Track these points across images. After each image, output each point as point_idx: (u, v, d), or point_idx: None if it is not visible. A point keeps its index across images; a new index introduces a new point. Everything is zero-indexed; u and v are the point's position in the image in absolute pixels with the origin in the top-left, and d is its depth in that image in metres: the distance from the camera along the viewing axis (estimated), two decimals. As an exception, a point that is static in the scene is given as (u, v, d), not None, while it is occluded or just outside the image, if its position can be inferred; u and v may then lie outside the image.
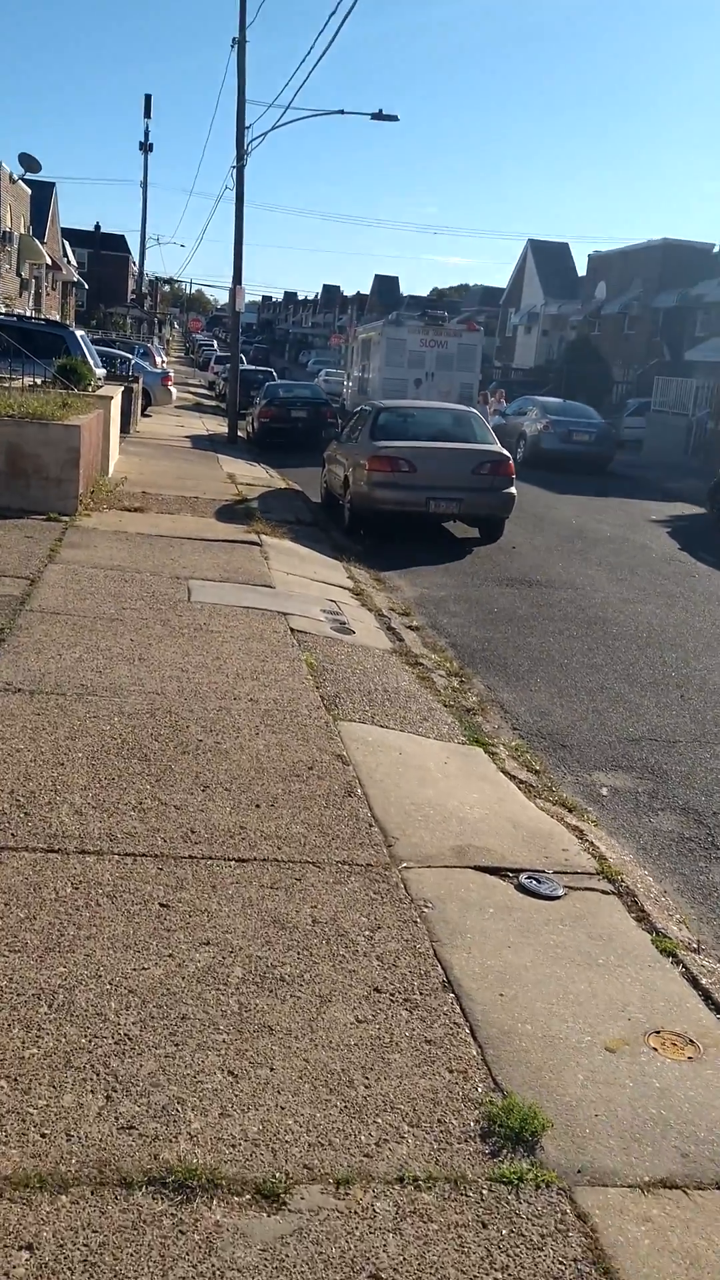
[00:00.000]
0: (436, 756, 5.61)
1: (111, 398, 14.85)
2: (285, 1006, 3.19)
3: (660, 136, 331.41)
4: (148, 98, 58.37)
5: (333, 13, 20.53)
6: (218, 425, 29.64)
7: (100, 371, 18.80)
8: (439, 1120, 2.79)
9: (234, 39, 23.42)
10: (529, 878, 4.22)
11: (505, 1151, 2.71)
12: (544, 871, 4.31)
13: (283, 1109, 2.76)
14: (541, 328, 56.55)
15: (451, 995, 3.36)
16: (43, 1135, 2.58)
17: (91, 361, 17.60)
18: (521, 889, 4.13)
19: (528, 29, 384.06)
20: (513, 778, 5.54)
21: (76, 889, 3.73)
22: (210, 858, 4.07)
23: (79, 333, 18.86)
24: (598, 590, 10.81)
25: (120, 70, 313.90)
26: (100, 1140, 2.58)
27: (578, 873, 4.38)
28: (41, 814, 4.25)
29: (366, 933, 3.67)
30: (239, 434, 26.43)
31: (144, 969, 3.30)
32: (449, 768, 5.46)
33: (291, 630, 7.67)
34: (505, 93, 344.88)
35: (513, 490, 12.90)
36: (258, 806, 4.54)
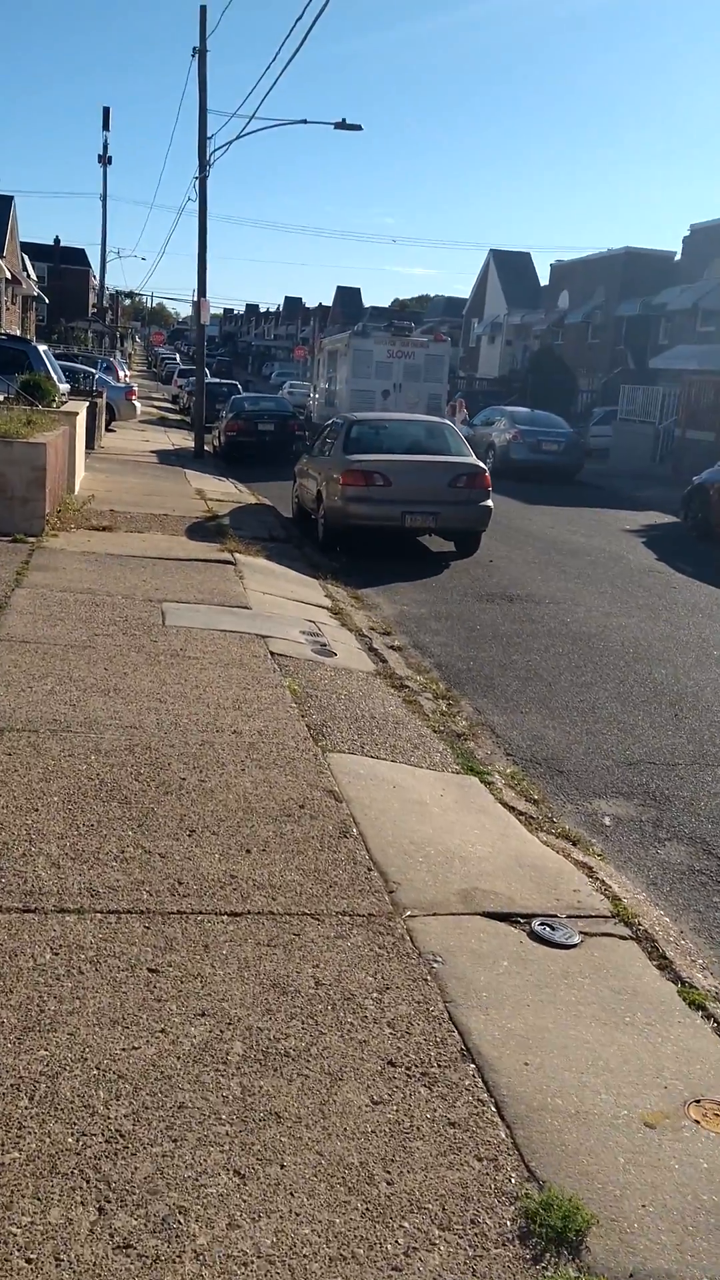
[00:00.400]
0: (432, 788, 5.33)
1: (76, 414, 14.51)
2: (293, 1088, 2.89)
3: (619, 146, 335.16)
4: (106, 110, 58.33)
5: (299, 18, 20.24)
6: (183, 439, 29.32)
7: (64, 387, 18.44)
8: (472, 1220, 2.51)
9: (194, 48, 23.17)
10: (542, 924, 3.95)
11: (549, 1256, 2.42)
12: (557, 916, 4.04)
13: (298, 1215, 2.46)
14: (505, 337, 56.67)
15: (472, 1066, 3.08)
16: (28, 1260, 2.27)
17: (55, 377, 17.25)
18: (535, 937, 3.86)
19: (486, 44, 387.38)
20: (512, 809, 5.27)
21: (56, 954, 3.42)
22: (200, 912, 3.76)
23: (42, 348, 18.49)
24: (579, 604, 10.60)
25: (79, 82, 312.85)
26: (95, 1263, 2.27)
27: (592, 915, 4.12)
28: (15, 868, 3.93)
29: (374, 995, 3.38)
30: (205, 448, 26.11)
31: (134, 1048, 2.99)
32: (445, 800, 5.19)
33: (272, 654, 7.38)
34: (466, 105, 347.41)
35: (490, 503, 12.69)
36: (248, 852, 4.24)
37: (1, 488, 10.31)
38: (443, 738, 6.28)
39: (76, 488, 14.52)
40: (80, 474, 15.79)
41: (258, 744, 5.44)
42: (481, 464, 12.91)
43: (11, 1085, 2.79)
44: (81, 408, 16.11)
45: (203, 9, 23.04)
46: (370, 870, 4.23)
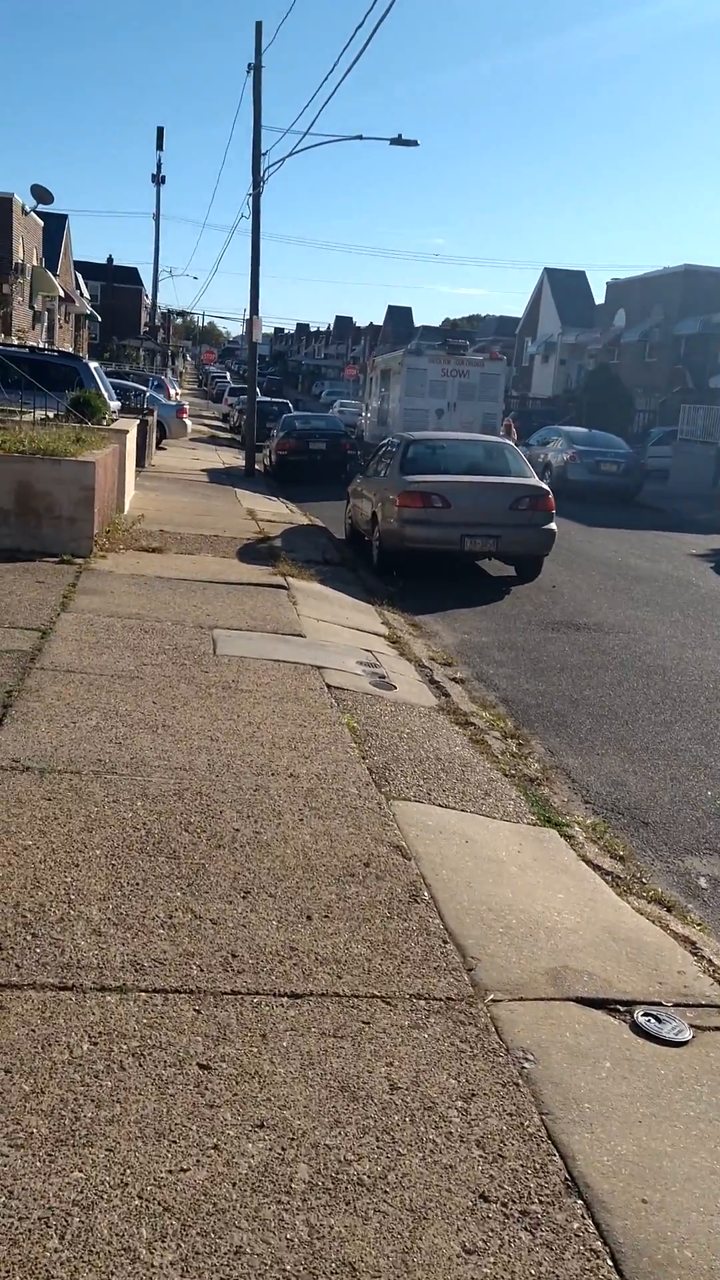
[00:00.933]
0: (507, 843, 4.86)
1: (127, 431, 14.26)
2: (369, 1229, 2.44)
3: (676, 163, 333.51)
4: (160, 130, 58.68)
5: (359, 25, 20.01)
6: (234, 458, 29.14)
7: (115, 404, 18.26)
8: None
9: (249, 64, 23.07)
10: (646, 1015, 3.45)
11: None
12: (661, 1004, 3.55)
13: None
14: (559, 357, 56.12)
15: (580, 1202, 2.60)
16: None
17: (106, 394, 17.05)
18: (639, 1030, 3.37)
19: (545, 72, 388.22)
20: (596, 867, 4.78)
21: (95, 1044, 3.00)
22: (257, 993, 3.33)
23: (93, 364, 18.34)
24: (651, 634, 10.06)
25: (134, 103, 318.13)
26: None
27: (702, 1005, 3.61)
28: (52, 935, 3.52)
29: (458, 1103, 2.92)
30: (256, 467, 25.88)
31: (183, 1170, 2.55)
32: (523, 857, 4.71)
33: (328, 687, 6.95)
34: (518, 123, 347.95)
35: (553, 526, 12.20)
36: (309, 919, 3.80)
37: (49, 507, 10.02)
38: (515, 783, 5.80)
39: (126, 507, 14.26)
40: (130, 493, 15.54)
41: (316, 790, 5.00)
42: (544, 486, 12.44)
43: (40, 1219, 2.37)
44: (132, 425, 15.87)
45: (258, 25, 22.95)
46: (445, 943, 3.76)
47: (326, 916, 3.83)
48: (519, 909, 4.13)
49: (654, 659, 9.10)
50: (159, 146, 59.32)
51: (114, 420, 15.99)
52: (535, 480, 12.69)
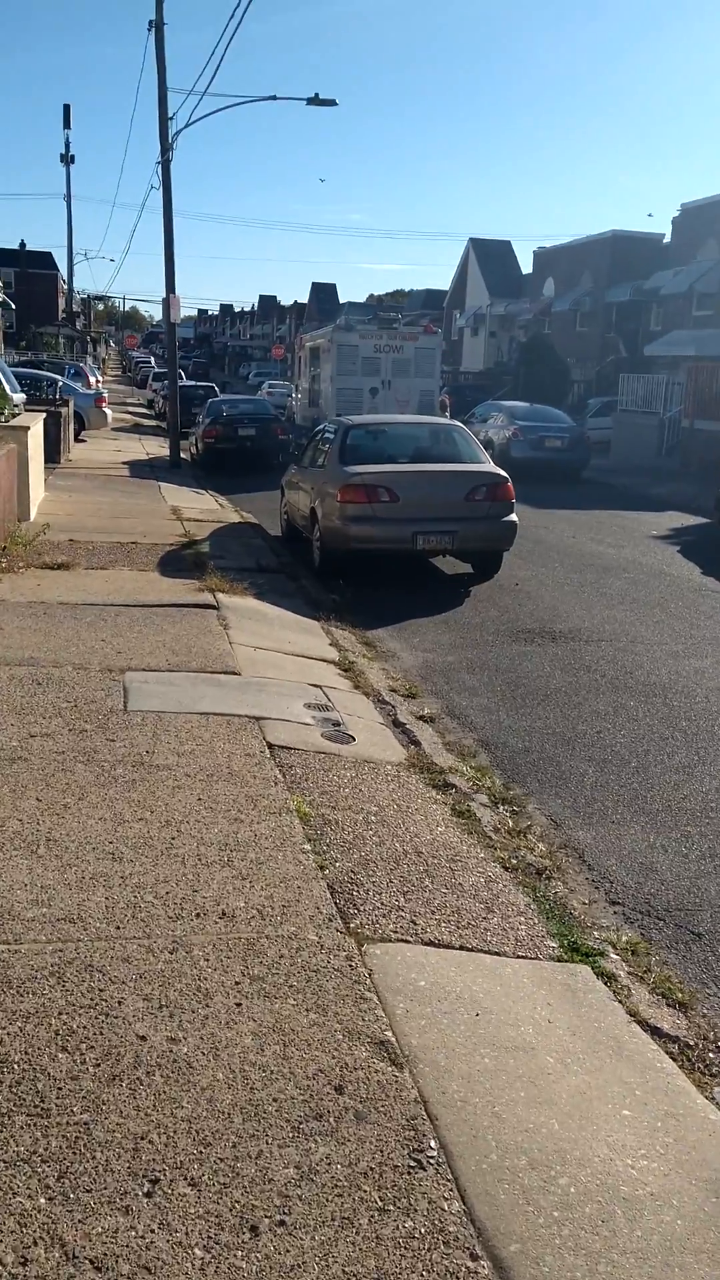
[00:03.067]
0: (531, 1004, 3.47)
1: (28, 427, 12.57)
2: None
3: (597, 127, 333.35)
4: (66, 108, 56.19)
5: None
6: (158, 448, 27.36)
7: (19, 397, 16.51)
8: None
9: (151, 21, 21.22)
10: None
11: None
12: None
13: None
14: (489, 329, 54.88)
15: None
16: None
17: (7, 386, 15.32)
18: None
19: (450, 23, 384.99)
20: (655, 1031, 3.42)
21: None
22: None
23: (-9, 354, 16.51)
24: (636, 641, 8.76)
25: (39, 80, 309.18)
26: None
27: None
28: None
29: None
30: (182, 456, 24.18)
31: None
32: (558, 1031, 3.33)
33: (270, 747, 5.51)
34: (433, 91, 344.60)
35: (514, 517, 10.84)
36: (254, 1232, 2.37)
37: None
38: (520, 880, 4.42)
39: (32, 513, 12.61)
40: (38, 496, 13.87)
41: (258, 941, 3.56)
42: (502, 473, 11.06)
43: None
44: (37, 420, 14.18)
45: (159, -21, 21.08)
46: (475, 1259, 2.36)
47: (281, 1223, 2.40)
48: (574, 1157, 2.73)
49: (647, 674, 7.78)
50: (66, 125, 56.76)
51: (16, 415, 14.28)
52: (491, 466, 11.31)
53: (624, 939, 4.09)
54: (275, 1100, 2.79)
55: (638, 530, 15.73)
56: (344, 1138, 2.68)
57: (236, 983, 3.29)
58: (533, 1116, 2.86)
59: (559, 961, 3.79)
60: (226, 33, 44.13)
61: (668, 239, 42.24)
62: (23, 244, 76.67)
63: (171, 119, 21.71)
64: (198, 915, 3.68)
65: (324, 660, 7.79)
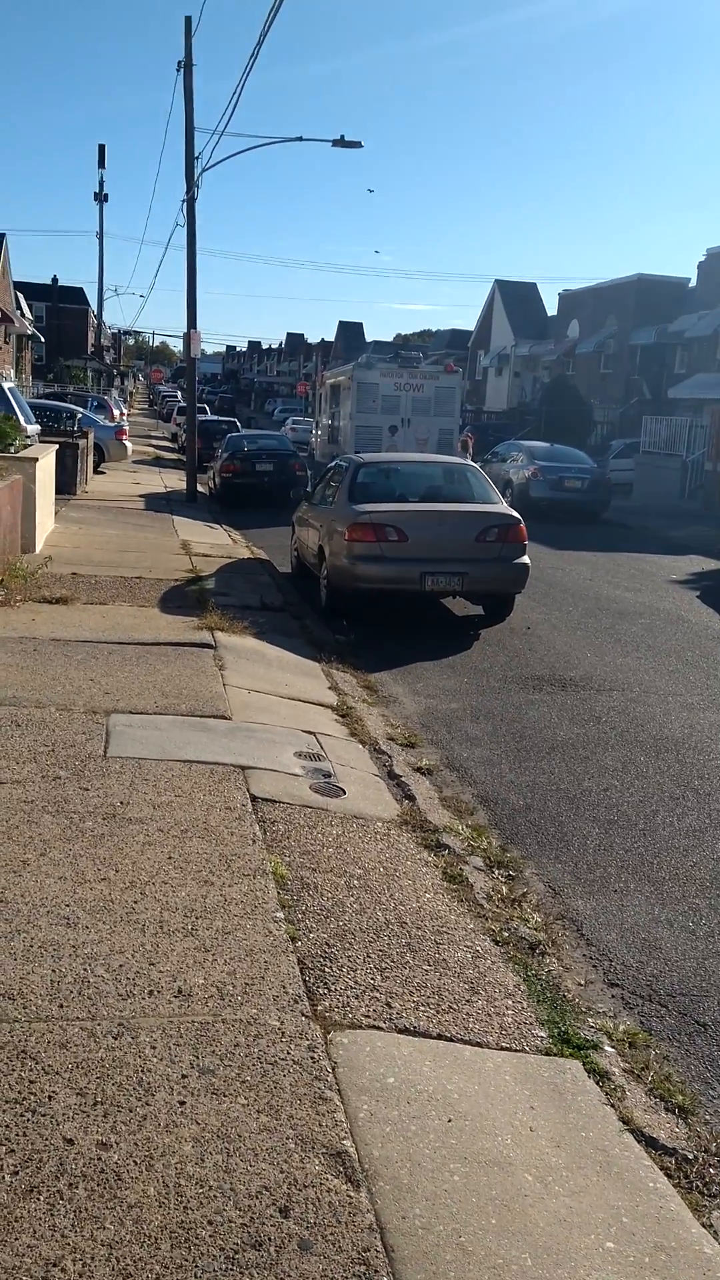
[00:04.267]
0: (512, 1105, 3.12)
1: (37, 459, 12.43)
2: None
3: (625, 172, 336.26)
4: (101, 148, 57.18)
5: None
6: (177, 481, 27.28)
7: (32, 428, 16.42)
8: None
9: (180, 62, 21.37)
10: None
11: None
12: None
13: None
14: (513, 369, 54.92)
15: None
16: None
17: (21, 417, 15.23)
18: None
19: (481, 68, 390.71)
20: (651, 1143, 3.07)
21: None
22: None
23: (6, 385, 16.47)
24: (650, 691, 8.41)
25: (75, 121, 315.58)
26: None
27: None
28: None
29: None
30: (199, 489, 24.08)
31: None
32: (539, 1142, 2.98)
33: (253, 800, 5.21)
34: (460, 134, 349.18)
35: (525, 560, 10.54)
36: None
37: None
38: (511, 956, 4.07)
39: (38, 545, 12.43)
40: (47, 527, 13.71)
41: (212, 1026, 3.23)
42: (514, 514, 10.77)
43: None
44: (49, 452, 14.05)
45: (187, 19, 21.25)
46: None
47: None
48: (547, 1298, 2.39)
49: (659, 727, 7.43)
50: (101, 164, 57.75)
51: (27, 446, 14.16)
52: (504, 507, 11.03)
53: (621, 1028, 3.74)
54: (211, 1223, 2.46)
55: (657, 574, 15.40)
56: (283, 1272, 2.34)
57: (183, 1076, 2.97)
58: (503, 1250, 2.51)
59: (547, 1055, 3.44)
60: (249, 66, 44.64)
61: (693, 283, 42.19)
62: (55, 279, 77.90)
63: (198, 158, 21.82)
64: (151, 993, 3.36)
65: (321, 705, 7.49)
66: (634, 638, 10.53)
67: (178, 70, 21.89)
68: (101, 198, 59.09)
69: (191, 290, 22.88)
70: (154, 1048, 3.08)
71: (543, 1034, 3.56)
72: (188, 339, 23.06)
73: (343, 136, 22.41)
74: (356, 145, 22.69)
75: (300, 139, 22.21)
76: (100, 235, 63.49)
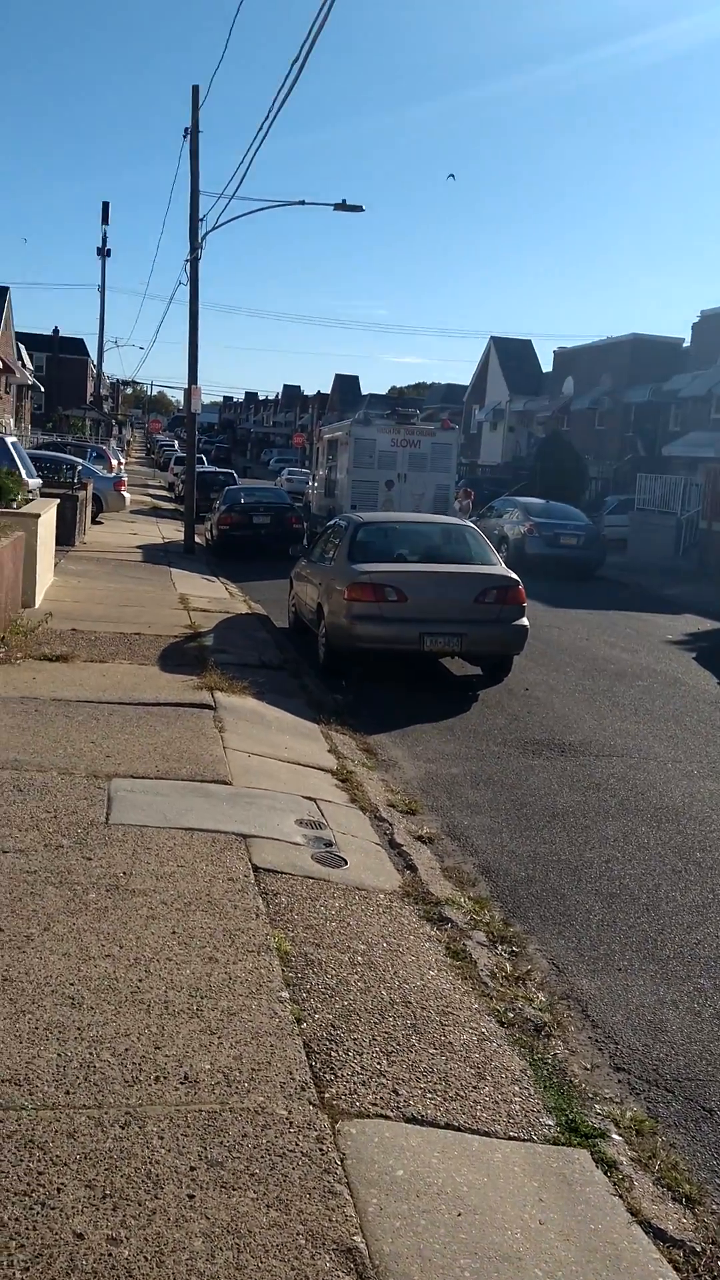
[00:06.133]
0: (521, 1197, 3.10)
1: (39, 514, 12.53)
2: None
3: (618, 232, 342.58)
4: (105, 205, 58.24)
5: (294, 59, 18.90)
6: (175, 532, 27.45)
7: (34, 482, 16.56)
8: None
9: (186, 129, 21.87)
10: None
11: None
12: None
13: None
14: (508, 424, 55.57)
15: None
16: None
17: (23, 470, 15.37)
18: None
19: (478, 129, 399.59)
20: (659, 1235, 3.04)
21: None
22: None
23: (9, 439, 16.65)
24: (649, 757, 8.44)
25: (77, 177, 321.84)
26: None
27: None
28: None
29: None
30: (197, 540, 24.21)
31: None
32: (549, 1235, 2.95)
33: (255, 870, 5.20)
34: (456, 195, 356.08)
35: (525, 621, 10.62)
36: None
37: None
38: (516, 1039, 4.06)
39: (38, 600, 12.48)
40: (46, 581, 13.77)
41: (219, 1115, 3.21)
42: (513, 575, 10.87)
43: None
44: (50, 506, 14.16)
45: (194, 88, 21.78)
46: None
47: None
48: None
49: (660, 796, 7.45)
50: (104, 220, 58.79)
51: (29, 500, 14.27)
52: (503, 569, 11.13)
53: (628, 1115, 3.72)
54: (221, 1328, 2.43)
55: (653, 634, 15.49)
56: None
57: (192, 1168, 2.95)
58: None
59: (555, 1145, 3.42)
60: (257, 138, 45.48)
61: (687, 343, 42.89)
62: (56, 330, 78.96)
63: (202, 219, 22.24)
64: (157, 1079, 3.34)
65: (321, 769, 7.50)
66: (632, 701, 10.58)
67: (184, 136, 22.39)
68: (104, 253, 60.02)
69: (193, 346, 23.19)
70: (162, 1138, 3.06)
71: (550, 1122, 3.54)
72: (188, 394, 23.34)
73: (344, 201, 22.89)
74: (358, 209, 23.18)
75: (303, 203, 22.64)
76: (102, 289, 64.54)
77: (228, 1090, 3.33)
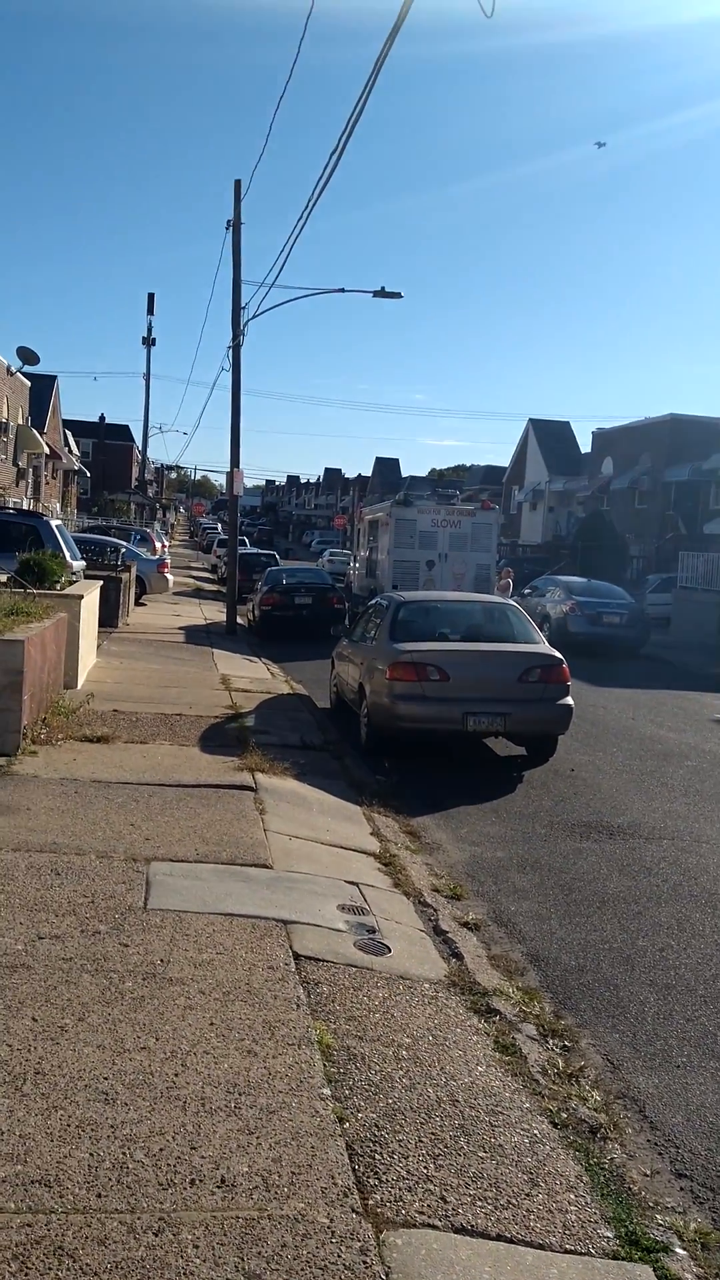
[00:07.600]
0: (580, 1321, 2.88)
1: (82, 596, 12.66)
2: None
3: (654, 314, 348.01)
4: (150, 296, 60.00)
5: (333, 150, 19.50)
6: (217, 613, 27.67)
7: (78, 564, 16.78)
8: None
9: (228, 221, 22.61)
10: None
11: None
12: None
13: None
14: (547, 504, 55.87)
15: None
16: None
17: (67, 553, 15.59)
18: None
19: (510, 212, 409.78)
20: None
21: None
22: None
23: (54, 522, 16.95)
24: (700, 840, 8.18)
25: (123, 267, 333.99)
26: None
27: None
28: None
29: None
30: (239, 621, 24.36)
31: None
32: None
33: (296, 958, 5.04)
34: (495, 278, 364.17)
35: (569, 701, 10.46)
36: None
37: (-33, 696, 8.26)
38: (569, 1142, 3.84)
39: (80, 680, 12.53)
40: (89, 663, 13.85)
41: (257, 1223, 3.04)
42: (557, 654, 10.75)
43: None
44: (93, 588, 14.33)
45: (237, 183, 22.61)
46: None
47: None
48: None
49: (713, 880, 7.20)
50: (150, 311, 60.65)
51: (73, 582, 14.45)
52: (546, 647, 11.02)
53: (692, 1227, 3.48)
54: None
55: (700, 713, 15.21)
56: None
57: (227, 1282, 2.77)
58: None
59: (615, 1259, 3.20)
60: (294, 233, 47.07)
61: (726, 423, 43.01)
62: (102, 417, 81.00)
63: (244, 307, 22.85)
64: (193, 1182, 3.18)
65: (363, 852, 7.34)
66: (680, 781, 10.33)
67: (226, 228, 23.14)
68: (149, 342, 61.75)
69: (235, 430, 23.65)
70: (197, 1247, 2.89)
71: (609, 1234, 3.32)
72: (230, 477, 23.73)
73: (383, 288, 23.47)
74: (396, 296, 23.71)
75: (343, 290, 23.22)
76: (147, 377, 66.15)
77: (266, 1195, 3.16)
